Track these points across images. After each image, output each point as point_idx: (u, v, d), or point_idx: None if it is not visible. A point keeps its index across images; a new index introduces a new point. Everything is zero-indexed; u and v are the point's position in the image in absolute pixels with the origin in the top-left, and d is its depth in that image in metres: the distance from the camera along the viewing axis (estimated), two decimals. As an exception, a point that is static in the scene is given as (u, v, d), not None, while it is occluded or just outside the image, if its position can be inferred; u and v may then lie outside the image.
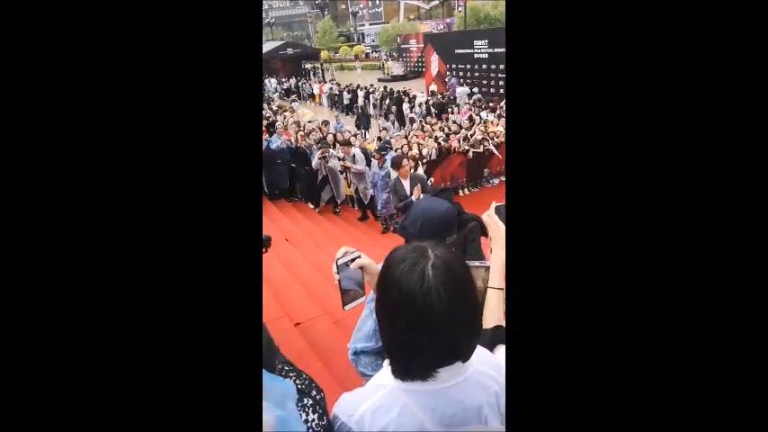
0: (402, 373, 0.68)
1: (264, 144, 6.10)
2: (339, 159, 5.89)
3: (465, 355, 0.67)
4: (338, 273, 0.86)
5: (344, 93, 16.02)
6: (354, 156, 5.79)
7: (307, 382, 0.77)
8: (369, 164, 5.83)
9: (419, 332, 0.61)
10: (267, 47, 24.88)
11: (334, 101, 16.55)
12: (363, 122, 11.34)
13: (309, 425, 0.70)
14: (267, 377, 0.56)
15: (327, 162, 5.91)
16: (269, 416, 0.53)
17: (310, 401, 0.73)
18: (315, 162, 5.97)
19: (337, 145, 6.21)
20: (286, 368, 0.80)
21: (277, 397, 0.55)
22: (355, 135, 8.00)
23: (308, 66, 23.82)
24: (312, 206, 6.37)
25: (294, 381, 0.76)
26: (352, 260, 0.87)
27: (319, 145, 6.03)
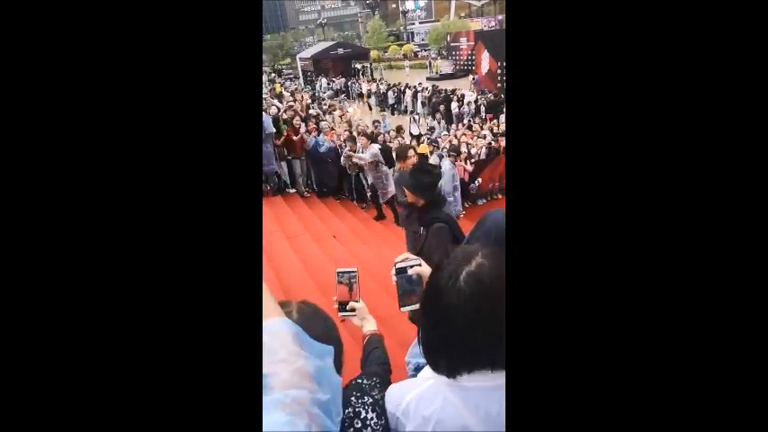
0: (431, 367, 0.72)
1: (312, 142, 6.26)
2: (351, 151, 5.78)
3: (492, 363, 0.67)
4: (396, 275, 0.92)
5: (390, 92, 16.08)
6: (371, 150, 5.55)
7: (372, 383, 0.79)
8: (391, 165, 5.74)
9: (444, 330, 0.66)
10: (318, 47, 25.51)
11: (381, 100, 16.66)
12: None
13: (368, 423, 0.72)
14: (305, 336, 0.59)
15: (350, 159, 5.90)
16: (309, 363, 0.56)
17: (370, 400, 0.75)
18: (342, 159, 6.03)
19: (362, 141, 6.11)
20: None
21: (316, 352, 0.59)
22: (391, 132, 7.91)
23: (358, 65, 24.15)
24: (357, 204, 6.47)
25: (362, 380, 0.79)
26: (411, 266, 0.94)
27: (346, 142, 6.06)
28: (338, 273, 1.06)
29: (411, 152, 4.04)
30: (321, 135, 6.54)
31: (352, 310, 1.07)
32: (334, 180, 6.66)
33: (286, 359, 0.56)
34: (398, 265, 0.93)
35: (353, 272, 1.06)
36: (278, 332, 0.58)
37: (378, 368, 0.94)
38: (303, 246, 4.51)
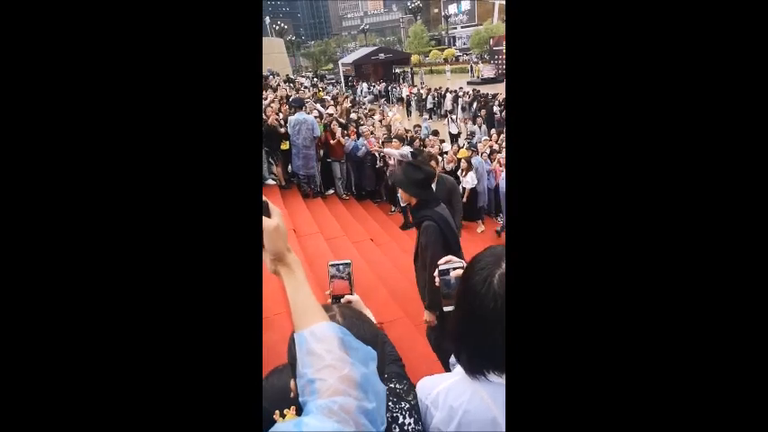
0: (462, 365, 0.74)
1: (351, 146, 6.33)
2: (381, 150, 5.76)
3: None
4: (439, 276, 0.95)
5: (429, 96, 16.04)
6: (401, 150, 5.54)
7: (406, 387, 0.79)
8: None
9: (471, 326, 0.69)
10: (360, 53, 25.88)
11: (420, 104, 16.66)
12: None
13: (406, 428, 0.71)
14: (350, 339, 0.60)
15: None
16: (355, 370, 0.56)
17: (407, 405, 0.75)
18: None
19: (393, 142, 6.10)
20: (393, 372, 0.82)
21: (361, 358, 0.59)
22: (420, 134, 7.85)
23: (398, 70, 24.27)
24: (393, 207, 6.47)
25: (394, 384, 0.78)
26: (454, 269, 0.95)
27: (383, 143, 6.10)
28: (332, 265, 1.03)
29: (433, 163, 3.75)
30: (360, 139, 6.62)
31: (348, 302, 1.04)
32: (372, 183, 6.72)
33: (333, 365, 0.55)
34: (441, 267, 0.95)
35: (348, 263, 1.04)
36: (324, 337, 0.58)
37: (397, 367, 0.93)
38: (341, 247, 4.56)
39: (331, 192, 6.52)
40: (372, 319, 1.06)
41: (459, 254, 2.10)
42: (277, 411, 0.73)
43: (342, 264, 1.04)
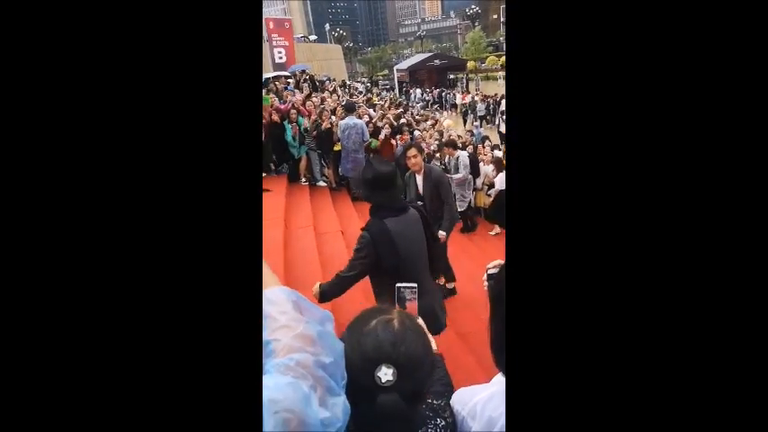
0: (502, 372, 0.73)
1: (400, 151, 6.33)
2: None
3: None
4: (487, 281, 0.92)
5: (479, 103, 15.82)
6: (458, 158, 5.40)
7: (443, 403, 0.76)
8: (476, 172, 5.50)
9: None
10: (416, 59, 26.00)
11: (472, 111, 16.42)
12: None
13: None
14: (305, 301, 0.62)
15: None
16: (310, 328, 0.56)
17: (442, 423, 0.73)
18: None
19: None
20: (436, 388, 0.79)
21: (316, 317, 0.60)
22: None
23: (453, 76, 24.08)
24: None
25: (432, 400, 0.75)
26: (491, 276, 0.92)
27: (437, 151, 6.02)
28: (398, 288, 1.03)
29: (412, 150, 3.31)
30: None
31: None
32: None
33: (287, 325, 0.56)
34: (489, 272, 0.92)
35: (414, 287, 1.03)
36: (278, 300, 0.59)
37: (442, 388, 0.90)
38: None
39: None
40: (433, 346, 1.04)
41: (416, 268, 1.82)
42: None
43: (408, 287, 1.04)
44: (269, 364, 0.53)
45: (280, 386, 0.50)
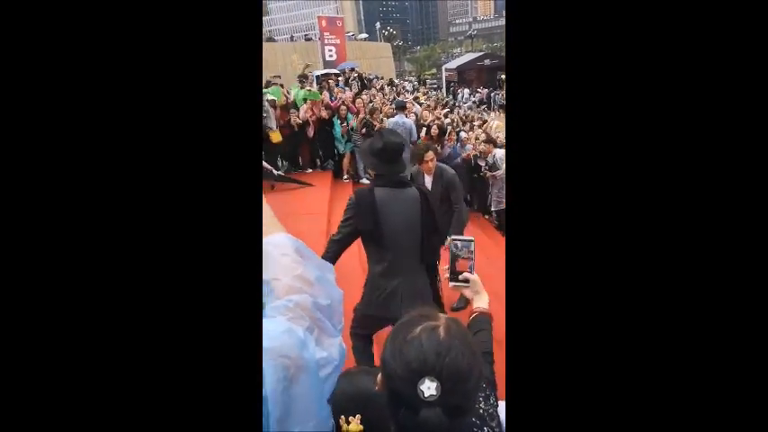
0: None
1: (447, 151, 6.28)
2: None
3: None
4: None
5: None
6: (494, 155, 5.35)
7: (491, 410, 0.74)
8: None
9: None
10: (465, 58, 25.57)
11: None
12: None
13: None
14: (307, 249, 0.62)
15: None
16: (310, 271, 0.57)
17: (489, 431, 0.71)
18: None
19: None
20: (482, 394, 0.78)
21: (317, 264, 0.61)
22: None
23: (502, 76, 23.46)
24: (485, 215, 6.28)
25: (480, 404, 0.74)
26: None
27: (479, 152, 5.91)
28: (453, 240, 0.98)
29: (430, 154, 3.12)
30: (458, 144, 6.54)
31: (465, 280, 0.99)
32: (466, 187, 6.60)
33: (288, 265, 0.57)
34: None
35: (471, 241, 0.98)
36: (280, 243, 0.59)
37: (488, 391, 0.85)
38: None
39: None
40: (484, 304, 0.99)
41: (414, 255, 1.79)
42: (342, 417, 0.70)
43: (464, 239, 0.99)
44: (269, 306, 0.53)
45: (276, 334, 0.51)
